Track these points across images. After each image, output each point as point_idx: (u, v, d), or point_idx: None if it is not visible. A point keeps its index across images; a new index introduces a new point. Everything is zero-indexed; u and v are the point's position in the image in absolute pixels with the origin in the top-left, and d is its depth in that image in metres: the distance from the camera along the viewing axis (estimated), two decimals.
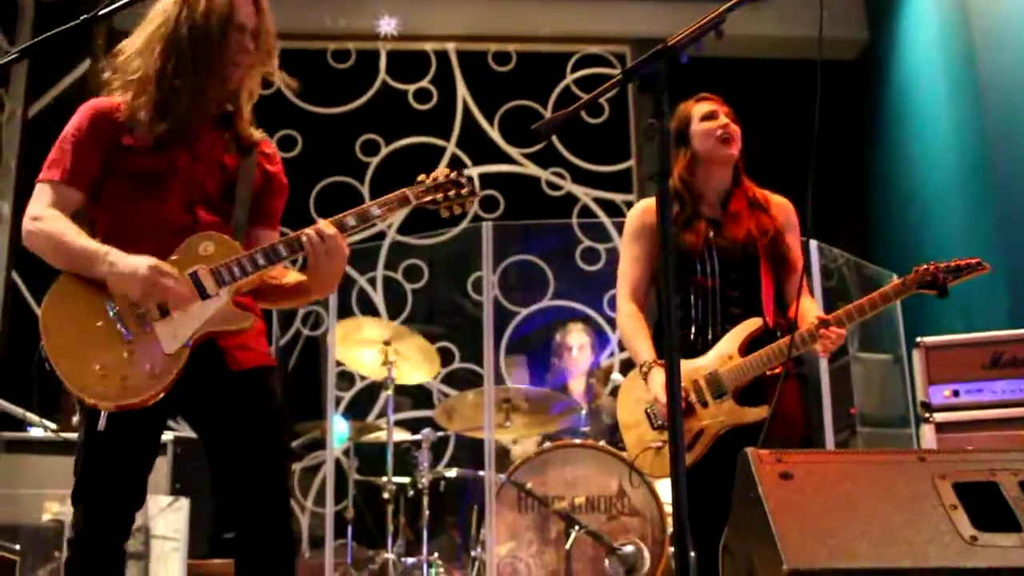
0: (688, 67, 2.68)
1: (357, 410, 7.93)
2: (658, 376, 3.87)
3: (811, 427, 4.14)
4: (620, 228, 8.47)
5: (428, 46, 8.99)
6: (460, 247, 7.66)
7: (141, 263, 3.16)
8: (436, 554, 6.11)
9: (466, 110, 8.90)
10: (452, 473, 6.36)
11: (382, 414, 7.45)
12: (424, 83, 8.92)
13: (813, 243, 5.95)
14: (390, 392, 6.36)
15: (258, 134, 3.58)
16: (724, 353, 3.92)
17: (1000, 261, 6.41)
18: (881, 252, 8.06)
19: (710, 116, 4.14)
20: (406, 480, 6.39)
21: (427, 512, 6.02)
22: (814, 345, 3.82)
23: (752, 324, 3.96)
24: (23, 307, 7.50)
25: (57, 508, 5.63)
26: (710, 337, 3.99)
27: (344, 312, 7.54)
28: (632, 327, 4.11)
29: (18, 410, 7.12)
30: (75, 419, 7.35)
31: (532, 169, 8.81)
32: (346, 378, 7.94)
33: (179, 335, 3.19)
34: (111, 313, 3.20)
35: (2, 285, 7.14)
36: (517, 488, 5.70)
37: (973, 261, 3.92)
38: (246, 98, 3.51)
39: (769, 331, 3.98)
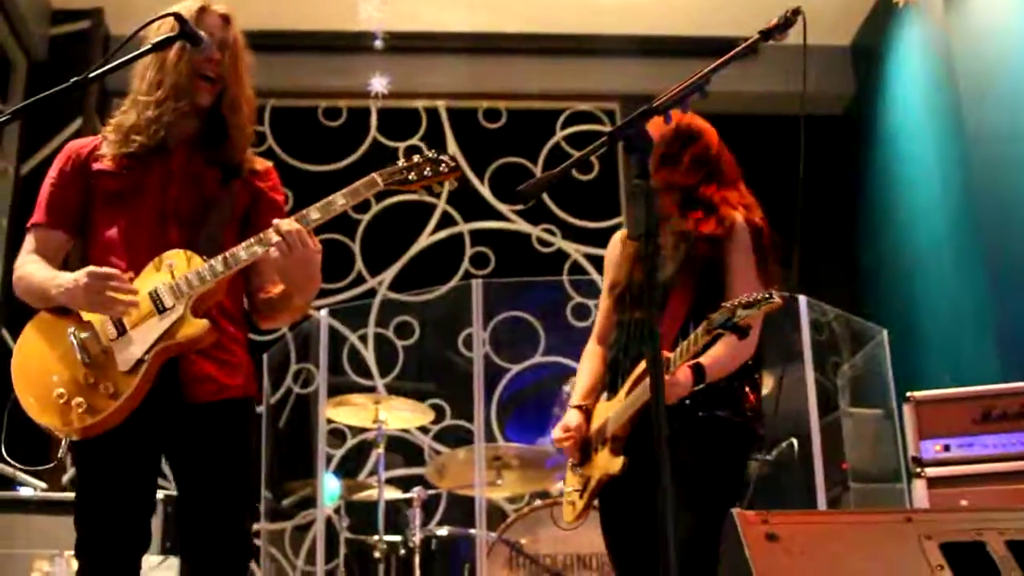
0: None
1: (348, 468, 7.90)
2: (566, 418, 3.67)
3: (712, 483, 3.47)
4: None
5: (419, 103, 9.03)
6: (451, 304, 7.67)
7: (80, 272, 3.17)
8: None
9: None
10: (443, 531, 6.32)
11: (373, 472, 7.43)
12: (415, 140, 8.95)
13: (802, 298, 5.96)
14: (381, 450, 6.34)
15: (259, 163, 3.56)
16: (618, 397, 3.53)
17: (990, 315, 6.44)
18: (871, 306, 8.07)
19: None
20: (397, 538, 6.35)
21: (418, 571, 5.98)
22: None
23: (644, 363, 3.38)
24: None
25: (47, 568, 5.60)
26: (622, 376, 3.59)
27: (335, 369, 7.54)
28: (581, 367, 3.86)
29: (8, 469, 7.09)
30: (65, 478, 7.37)
31: (523, 226, 8.82)
32: (337, 436, 7.92)
33: (135, 351, 3.17)
34: (71, 339, 3.21)
35: None
36: (508, 546, 5.67)
37: (765, 295, 3.10)
38: (234, 121, 3.46)
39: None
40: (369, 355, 8.32)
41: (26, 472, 6.87)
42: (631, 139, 2.65)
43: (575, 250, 8.78)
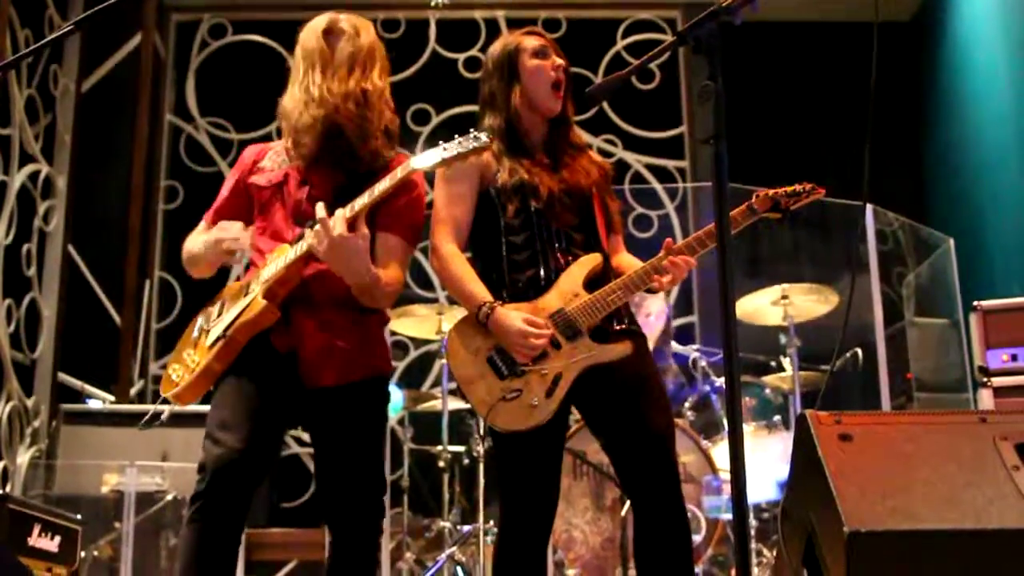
0: (741, 30, 2.66)
1: (411, 379, 7.96)
2: (503, 317, 3.53)
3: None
4: (672, 194, 8.51)
5: (478, 14, 8.97)
6: None
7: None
8: (492, 522, 6.13)
9: None
10: None
11: (436, 383, 7.48)
12: (474, 51, 8.90)
13: (868, 207, 5.89)
14: (444, 361, 6.37)
15: (396, 162, 3.57)
16: (567, 291, 3.59)
17: None
18: (936, 215, 7.99)
19: (541, 53, 3.95)
20: (461, 449, 6.42)
21: (482, 480, 6.04)
22: (660, 278, 3.57)
23: (592, 260, 3.65)
24: (80, 281, 7.57)
25: (116, 479, 5.70)
26: (553, 275, 3.65)
27: None
28: (460, 268, 3.68)
29: (77, 382, 7.22)
30: (133, 391, 7.47)
31: (583, 136, 8.75)
32: (400, 347, 7.97)
33: (217, 330, 3.47)
34: (198, 320, 3.64)
35: (60, 259, 7.21)
36: (572, 455, 5.70)
37: (808, 185, 3.65)
38: (373, 117, 3.57)
39: (608, 269, 3.71)
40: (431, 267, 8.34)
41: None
42: (700, 40, 2.62)
43: (636, 160, 8.73)
